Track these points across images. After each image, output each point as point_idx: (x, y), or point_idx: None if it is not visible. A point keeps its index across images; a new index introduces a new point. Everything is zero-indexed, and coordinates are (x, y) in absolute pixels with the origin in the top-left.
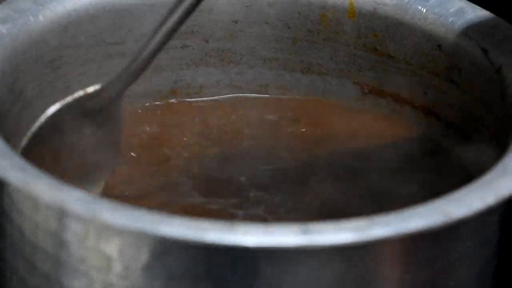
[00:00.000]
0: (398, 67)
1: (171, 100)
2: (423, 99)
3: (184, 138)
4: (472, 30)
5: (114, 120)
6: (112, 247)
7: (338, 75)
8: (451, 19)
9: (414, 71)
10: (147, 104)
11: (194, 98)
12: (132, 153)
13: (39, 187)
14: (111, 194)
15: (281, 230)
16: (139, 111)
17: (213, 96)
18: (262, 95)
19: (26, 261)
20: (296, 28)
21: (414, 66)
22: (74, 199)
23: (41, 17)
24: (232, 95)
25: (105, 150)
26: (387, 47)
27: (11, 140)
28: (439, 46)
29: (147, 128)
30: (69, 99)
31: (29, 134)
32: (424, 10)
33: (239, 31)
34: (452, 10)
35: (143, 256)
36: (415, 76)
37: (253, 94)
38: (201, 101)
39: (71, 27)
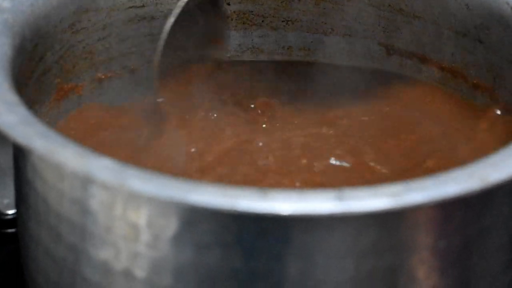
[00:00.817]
0: (425, 28)
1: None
2: (451, 60)
3: None
4: None
5: None
6: (140, 216)
7: (363, 36)
8: None
9: (441, 32)
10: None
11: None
12: None
13: (64, 155)
14: None
15: (315, 197)
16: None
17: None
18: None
19: (50, 231)
20: None
21: (441, 26)
22: (100, 167)
23: None
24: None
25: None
26: (413, 7)
27: (33, 107)
28: (466, 5)
29: None
30: None
31: None
32: None
33: None
34: None
35: (172, 225)
36: (442, 36)
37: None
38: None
39: None
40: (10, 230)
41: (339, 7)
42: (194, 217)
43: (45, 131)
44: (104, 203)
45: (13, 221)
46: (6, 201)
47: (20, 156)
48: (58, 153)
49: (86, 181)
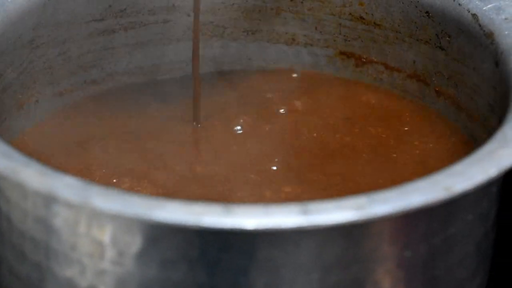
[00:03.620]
0: (386, 36)
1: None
2: (412, 68)
3: None
4: None
5: None
6: (104, 234)
7: (324, 45)
8: None
9: (402, 39)
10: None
11: (176, 74)
12: None
13: (26, 174)
14: None
15: (280, 211)
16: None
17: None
18: (246, 69)
19: (14, 249)
20: None
21: (402, 34)
22: (64, 185)
23: None
24: (216, 70)
25: None
26: (373, 15)
27: None
28: (427, 12)
29: None
30: None
31: None
32: None
33: (221, 4)
34: None
35: (137, 242)
36: (403, 44)
37: (237, 68)
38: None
39: (49, 5)
40: None
41: (299, 17)
42: (159, 234)
43: (7, 150)
44: (68, 221)
45: None
46: None
47: None
48: (20, 172)
49: (50, 200)
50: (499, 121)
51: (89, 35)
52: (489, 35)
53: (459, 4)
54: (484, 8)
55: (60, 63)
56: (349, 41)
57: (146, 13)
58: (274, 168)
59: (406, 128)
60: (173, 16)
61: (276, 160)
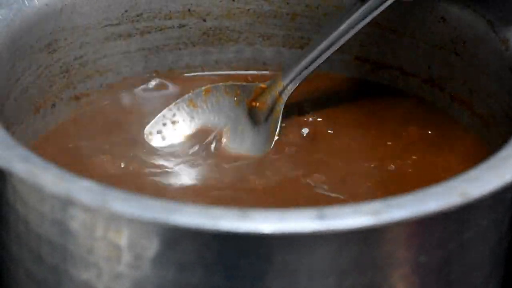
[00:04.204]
0: (401, 41)
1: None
2: (428, 73)
3: None
4: (476, 1)
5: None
6: (121, 237)
7: (340, 50)
8: None
9: (417, 45)
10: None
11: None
12: None
13: (44, 178)
14: None
15: (296, 216)
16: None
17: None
18: (261, 72)
19: (32, 252)
20: (294, 3)
21: (418, 40)
22: (81, 189)
23: (36, 1)
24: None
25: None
26: (389, 21)
27: (10, 128)
28: (442, 18)
29: None
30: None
31: None
32: None
33: (236, 9)
34: None
35: (154, 246)
36: (418, 49)
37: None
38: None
39: (67, 10)
40: None
41: (314, 22)
42: (176, 238)
43: (25, 154)
44: (85, 224)
45: None
46: None
47: (0, 178)
48: (38, 176)
49: (67, 203)
50: None
51: (105, 39)
52: (504, 42)
53: (474, 10)
54: (499, 14)
55: (77, 67)
56: (364, 46)
57: (162, 18)
58: None
59: (420, 134)
60: (188, 20)
61: None
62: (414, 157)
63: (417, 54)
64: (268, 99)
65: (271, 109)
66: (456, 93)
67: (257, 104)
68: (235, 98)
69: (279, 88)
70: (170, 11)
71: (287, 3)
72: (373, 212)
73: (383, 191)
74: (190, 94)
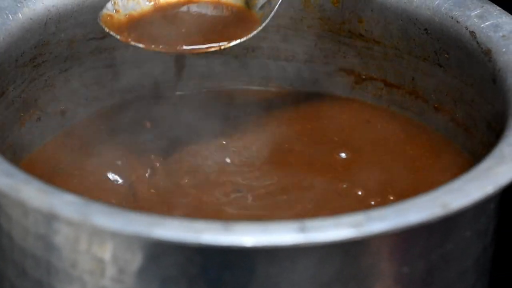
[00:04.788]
0: (385, 53)
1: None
2: (411, 84)
3: None
4: (459, 13)
5: None
6: (105, 251)
7: (324, 62)
8: (437, 2)
9: (401, 56)
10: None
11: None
12: None
13: (27, 192)
14: None
15: (278, 228)
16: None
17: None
18: (249, 87)
19: (16, 266)
20: (279, 15)
21: (401, 51)
22: (64, 203)
23: (20, 15)
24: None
25: None
26: (372, 32)
27: None
28: (425, 30)
29: None
30: None
31: None
32: None
33: None
34: None
35: (138, 259)
36: (402, 61)
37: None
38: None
39: (51, 24)
40: None
41: (299, 34)
42: (159, 251)
43: (8, 168)
44: (69, 238)
45: None
46: None
47: None
48: (21, 190)
49: (50, 217)
50: (497, 138)
51: (90, 53)
52: (487, 52)
53: (457, 21)
54: (482, 26)
55: (62, 81)
56: (348, 57)
57: None
58: None
59: (404, 145)
60: None
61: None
62: (398, 168)
63: (401, 65)
64: None
65: None
66: (439, 104)
67: None
68: None
69: None
70: None
71: (272, 16)
72: (355, 224)
73: (367, 201)
74: None
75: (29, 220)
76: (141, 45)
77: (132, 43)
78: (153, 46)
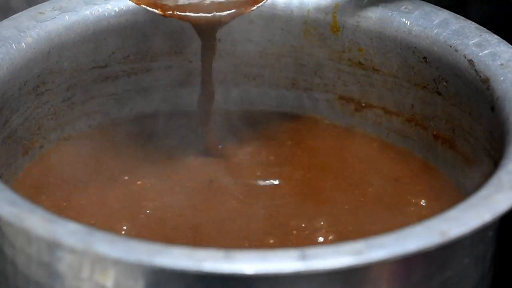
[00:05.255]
0: (384, 81)
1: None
2: (411, 112)
3: None
4: (458, 42)
5: None
6: (107, 279)
7: (324, 90)
8: (436, 30)
9: (400, 84)
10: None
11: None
12: None
13: (31, 221)
14: None
15: (279, 256)
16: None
17: None
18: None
19: None
20: (279, 44)
21: (400, 79)
22: (67, 231)
23: (23, 44)
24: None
25: None
26: (372, 61)
27: None
28: (424, 58)
29: None
30: None
31: None
32: (408, 23)
33: (222, 50)
34: (436, 21)
35: (139, 287)
36: (401, 89)
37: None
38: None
39: (54, 53)
40: None
41: (299, 62)
42: (161, 279)
43: (13, 197)
44: (72, 266)
45: None
46: None
47: None
48: (25, 219)
49: (53, 245)
50: (495, 166)
51: (93, 81)
52: (485, 81)
53: (456, 50)
54: (480, 54)
55: (65, 109)
56: (348, 86)
57: (148, 60)
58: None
59: (402, 173)
60: (175, 62)
61: None
62: (396, 195)
63: (400, 93)
64: None
65: None
66: (438, 132)
67: None
68: None
69: None
70: (156, 53)
71: (272, 44)
72: (355, 252)
73: (367, 229)
74: None
75: (32, 248)
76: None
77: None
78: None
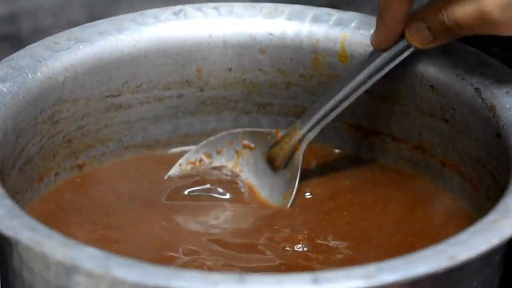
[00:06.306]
0: (392, 108)
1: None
2: (418, 139)
3: None
4: (464, 70)
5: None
6: None
7: (333, 118)
8: (442, 59)
9: (408, 112)
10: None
11: (190, 146)
12: None
13: (49, 246)
14: None
15: (292, 280)
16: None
17: None
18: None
19: None
20: (289, 73)
21: (408, 107)
22: (85, 256)
23: (39, 74)
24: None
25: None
26: (379, 89)
27: (15, 197)
28: (431, 86)
29: None
30: None
31: None
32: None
33: (233, 79)
34: (442, 50)
35: None
36: (409, 116)
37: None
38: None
39: (68, 82)
40: None
41: (308, 91)
42: None
43: (31, 222)
44: None
45: None
46: None
47: (6, 245)
48: (44, 244)
49: (71, 270)
50: (502, 191)
51: (106, 109)
52: (491, 108)
53: (462, 78)
54: (486, 82)
55: (79, 137)
56: (356, 113)
57: (161, 88)
58: None
59: (410, 198)
60: (186, 91)
61: None
62: (408, 222)
63: (407, 120)
64: (286, 148)
65: (290, 157)
66: (446, 159)
67: (276, 151)
68: (253, 145)
69: (297, 136)
70: (168, 82)
71: (282, 73)
72: (366, 276)
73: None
74: (209, 139)
75: (50, 273)
76: None
77: None
78: None
